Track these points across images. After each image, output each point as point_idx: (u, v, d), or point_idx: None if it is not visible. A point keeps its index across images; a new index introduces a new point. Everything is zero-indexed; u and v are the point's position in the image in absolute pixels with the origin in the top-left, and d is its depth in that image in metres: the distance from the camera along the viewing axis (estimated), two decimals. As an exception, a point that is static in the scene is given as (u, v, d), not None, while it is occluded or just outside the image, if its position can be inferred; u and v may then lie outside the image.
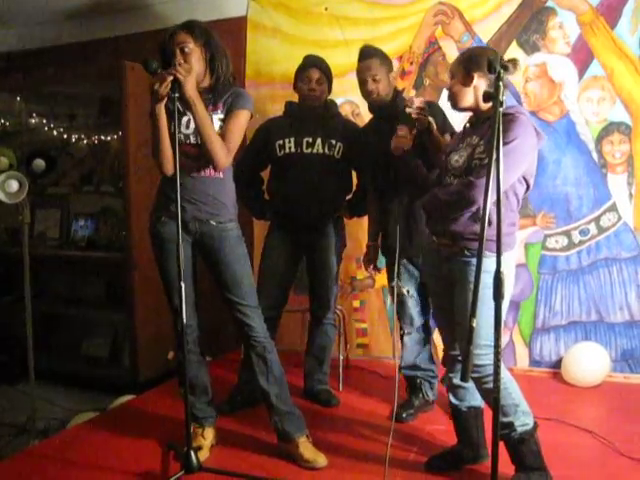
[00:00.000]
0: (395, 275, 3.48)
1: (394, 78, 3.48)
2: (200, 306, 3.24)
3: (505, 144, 2.45)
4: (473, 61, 2.70)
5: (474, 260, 2.14)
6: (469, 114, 2.87)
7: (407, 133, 3.09)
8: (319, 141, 3.69)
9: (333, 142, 3.70)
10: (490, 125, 2.14)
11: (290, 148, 3.71)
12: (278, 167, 3.81)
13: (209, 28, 3.01)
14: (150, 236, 3.15)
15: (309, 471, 3.06)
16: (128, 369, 4.88)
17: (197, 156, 2.98)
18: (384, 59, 3.44)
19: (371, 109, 3.57)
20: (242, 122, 3.02)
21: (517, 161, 2.57)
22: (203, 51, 2.94)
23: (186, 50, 2.89)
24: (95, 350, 5.29)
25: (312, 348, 4.01)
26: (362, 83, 3.42)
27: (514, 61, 2.36)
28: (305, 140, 3.70)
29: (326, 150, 3.69)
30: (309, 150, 3.70)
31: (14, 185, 3.76)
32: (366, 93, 3.43)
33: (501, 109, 2.12)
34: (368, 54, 3.41)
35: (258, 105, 4.80)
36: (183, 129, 2.96)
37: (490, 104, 2.24)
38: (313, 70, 3.68)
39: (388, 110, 3.43)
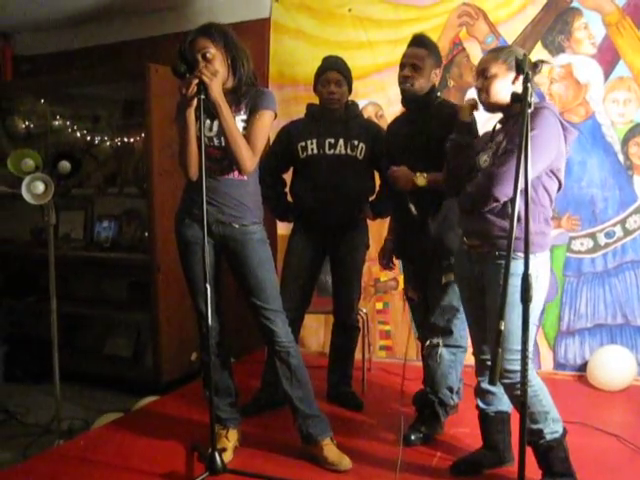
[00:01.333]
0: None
1: (436, 75, 3.34)
2: (224, 308, 3.24)
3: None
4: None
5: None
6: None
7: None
8: (341, 142, 3.68)
9: (355, 143, 3.69)
10: (515, 122, 2.12)
11: (312, 150, 3.70)
12: (301, 169, 3.81)
13: (227, 28, 2.99)
14: (175, 238, 3.16)
15: (333, 473, 3.06)
16: (151, 370, 4.89)
17: (220, 158, 2.99)
18: (433, 53, 3.30)
19: (402, 99, 3.41)
20: (266, 123, 3.01)
21: (536, 151, 2.50)
22: (224, 53, 2.93)
23: (208, 56, 2.87)
24: (118, 351, 5.32)
25: (335, 350, 4.01)
26: (401, 67, 3.29)
27: (542, 61, 2.33)
28: (327, 141, 3.69)
29: (349, 151, 3.68)
30: (332, 151, 3.69)
31: (40, 187, 3.79)
32: (400, 78, 3.30)
33: (529, 110, 2.11)
34: (419, 43, 3.28)
35: (281, 107, 4.77)
36: (206, 132, 2.95)
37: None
38: (331, 73, 3.66)
39: (417, 104, 3.32)
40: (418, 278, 3.46)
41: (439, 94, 3.45)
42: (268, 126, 3.03)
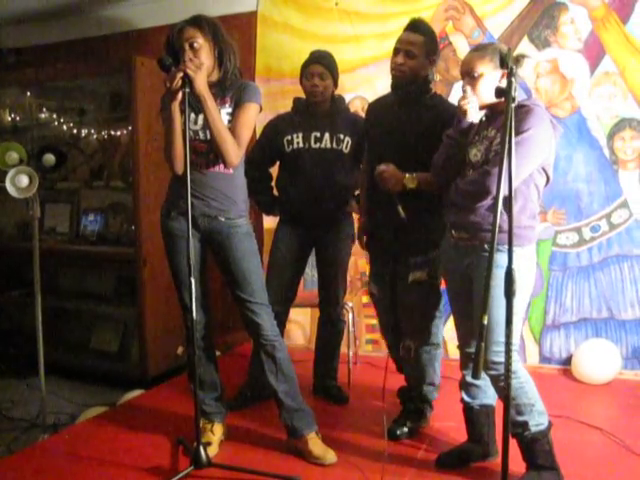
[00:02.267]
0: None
1: (431, 63, 3.18)
2: (209, 301, 3.23)
3: (519, 133, 2.48)
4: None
5: (494, 255, 2.12)
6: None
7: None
8: (327, 136, 3.68)
9: (341, 137, 3.68)
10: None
11: (298, 143, 3.70)
12: (287, 163, 3.80)
13: (217, 22, 2.99)
14: (161, 232, 3.15)
15: (318, 467, 3.06)
16: (137, 364, 4.89)
17: (206, 152, 2.99)
18: (430, 40, 3.15)
19: (393, 85, 3.25)
20: (251, 116, 3.01)
21: (532, 150, 2.56)
22: (212, 46, 2.93)
23: (195, 45, 2.87)
24: (104, 345, 5.30)
25: (321, 344, 4.02)
26: (394, 53, 3.15)
27: (523, 56, 2.32)
28: (313, 135, 3.69)
29: (334, 145, 3.67)
30: (317, 145, 3.68)
31: (24, 180, 3.77)
32: (392, 64, 3.16)
33: (514, 104, 2.12)
34: (415, 28, 3.13)
35: (268, 101, 4.80)
36: (191, 125, 2.95)
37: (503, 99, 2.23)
38: (315, 66, 3.65)
39: (408, 92, 3.20)
40: (382, 273, 3.39)
41: (432, 85, 3.31)
42: (253, 119, 3.03)
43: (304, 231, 3.76)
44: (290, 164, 3.75)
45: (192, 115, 2.94)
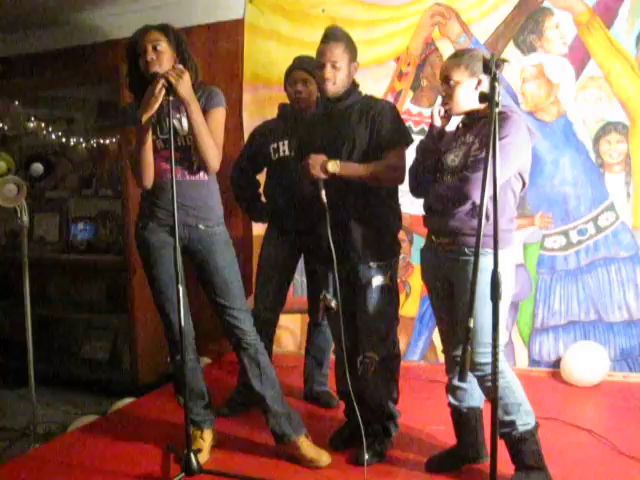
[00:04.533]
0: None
1: (355, 69, 3.09)
2: (198, 309, 3.23)
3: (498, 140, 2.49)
4: (480, 63, 2.60)
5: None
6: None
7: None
8: None
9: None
10: (485, 124, 2.15)
11: (284, 151, 3.70)
12: (273, 170, 3.81)
13: (182, 34, 3.02)
14: (137, 244, 3.13)
15: (309, 471, 3.06)
16: (128, 372, 4.89)
17: (181, 159, 2.97)
18: (350, 46, 3.06)
19: (326, 100, 3.16)
20: (222, 120, 3.03)
21: (509, 157, 2.59)
22: (174, 54, 2.95)
23: (159, 48, 2.89)
24: (95, 353, 5.30)
25: (311, 350, 4.02)
26: (320, 67, 3.03)
27: (503, 60, 2.35)
28: None
29: None
30: None
31: (12, 189, 3.77)
32: (321, 79, 3.04)
33: (497, 109, 2.14)
34: (333, 37, 3.03)
35: (255, 108, 4.83)
36: (162, 134, 2.96)
37: (485, 104, 2.25)
38: (298, 72, 3.64)
39: (339, 104, 3.11)
40: (335, 281, 3.12)
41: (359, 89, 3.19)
42: (223, 122, 3.04)
43: (292, 237, 3.75)
44: (277, 171, 3.76)
45: (163, 123, 2.95)
